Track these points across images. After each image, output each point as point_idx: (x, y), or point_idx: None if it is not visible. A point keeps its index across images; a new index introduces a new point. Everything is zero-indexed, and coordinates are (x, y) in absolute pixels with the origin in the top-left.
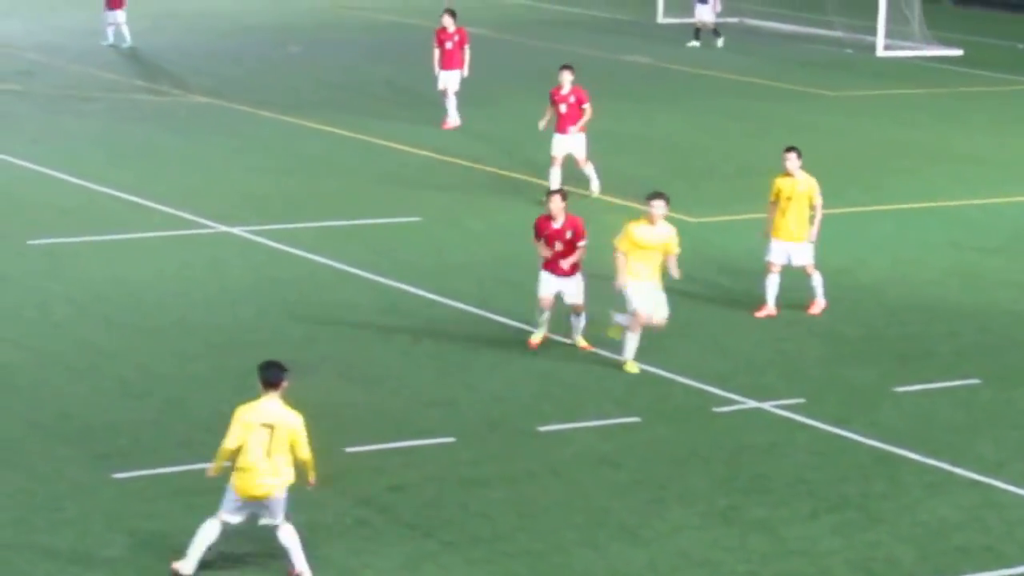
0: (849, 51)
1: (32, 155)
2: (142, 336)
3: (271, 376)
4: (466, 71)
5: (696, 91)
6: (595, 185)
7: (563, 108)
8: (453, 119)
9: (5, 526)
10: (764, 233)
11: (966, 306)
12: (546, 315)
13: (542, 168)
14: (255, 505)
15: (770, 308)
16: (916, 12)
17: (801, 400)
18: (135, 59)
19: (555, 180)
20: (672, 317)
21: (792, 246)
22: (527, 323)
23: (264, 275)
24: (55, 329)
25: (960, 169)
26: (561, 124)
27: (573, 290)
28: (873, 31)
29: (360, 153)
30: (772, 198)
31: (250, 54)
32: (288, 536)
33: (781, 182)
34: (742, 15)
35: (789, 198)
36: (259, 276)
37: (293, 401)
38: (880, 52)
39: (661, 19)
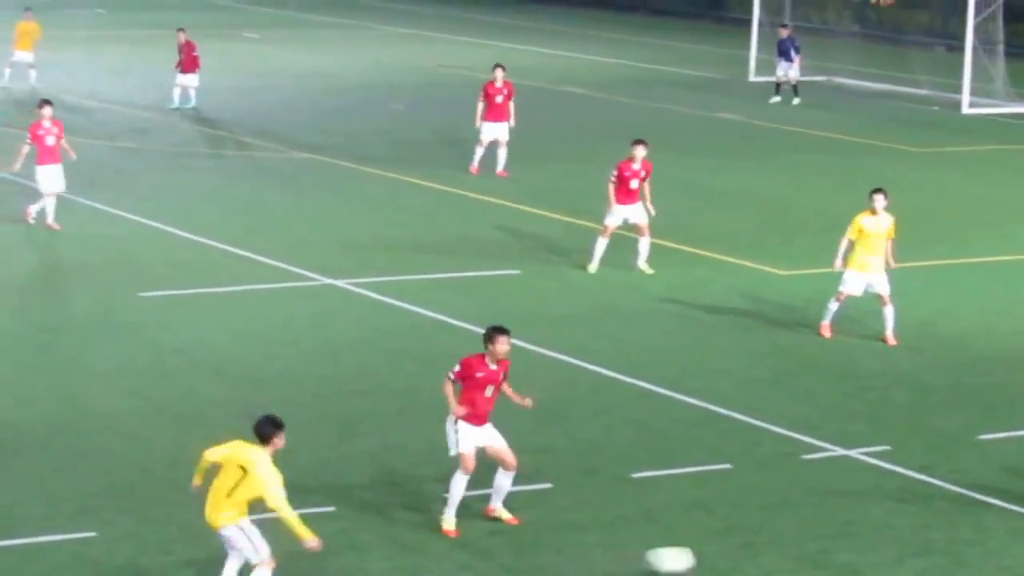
0: (935, 108)
1: (145, 210)
2: (249, 386)
3: (260, 431)
4: (513, 122)
5: (786, 147)
6: (643, 259)
7: (634, 183)
8: (503, 167)
9: (119, 568)
10: (840, 264)
11: None
12: (465, 482)
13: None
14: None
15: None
16: (1000, 70)
17: (887, 447)
18: (243, 117)
19: (600, 250)
20: (762, 367)
21: (875, 277)
22: (623, 373)
23: (367, 326)
24: (166, 378)
25: None
26: (629, 197)
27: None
28: (958, 89)
29: (461, 207)
30: (853, 235)
31: (354, 112)
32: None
33: (865, 221)
34: (831, 73)
35: (875, 235)
36: (362, 327)
37: (397, 447)
38: (965, 109)
39: (752, 78)
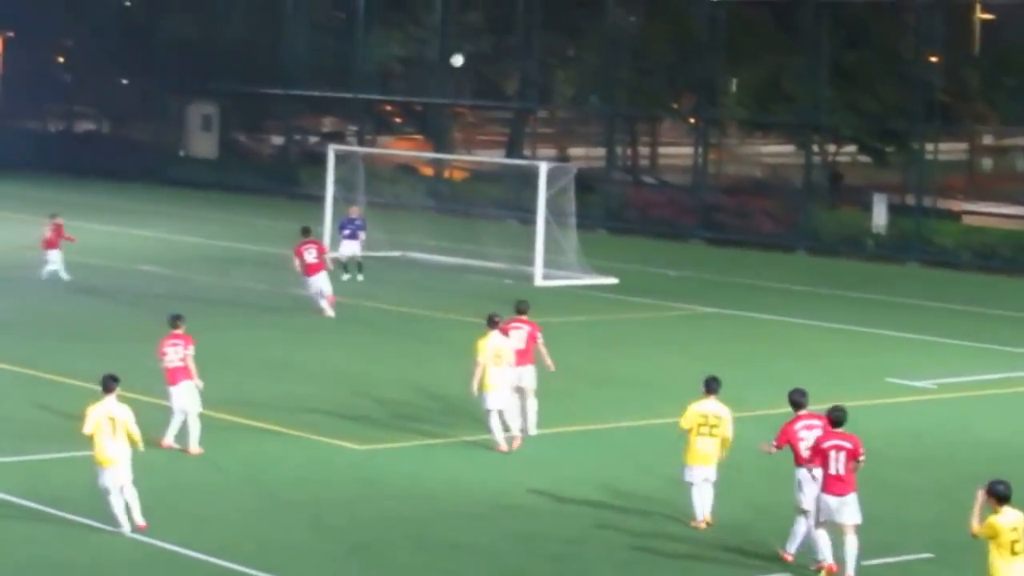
0: (509, 281)
1: None
2: None
3: (105, 384)
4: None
5: (362, 322)
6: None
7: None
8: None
9: None
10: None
11: (625, 524)
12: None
13: None
14: (108, 471)
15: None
16: (572, 243)
17: None
18: None
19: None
20: (339, 542)
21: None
22: (203, 551)
23: None
24: None
25: (616, 392)
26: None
27: None
28: (531, 261)
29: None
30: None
31: None
32: (131, 493)
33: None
34: (405, 248)
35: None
36: None
37: None
38: (538, 282)
39: (330, 254)
